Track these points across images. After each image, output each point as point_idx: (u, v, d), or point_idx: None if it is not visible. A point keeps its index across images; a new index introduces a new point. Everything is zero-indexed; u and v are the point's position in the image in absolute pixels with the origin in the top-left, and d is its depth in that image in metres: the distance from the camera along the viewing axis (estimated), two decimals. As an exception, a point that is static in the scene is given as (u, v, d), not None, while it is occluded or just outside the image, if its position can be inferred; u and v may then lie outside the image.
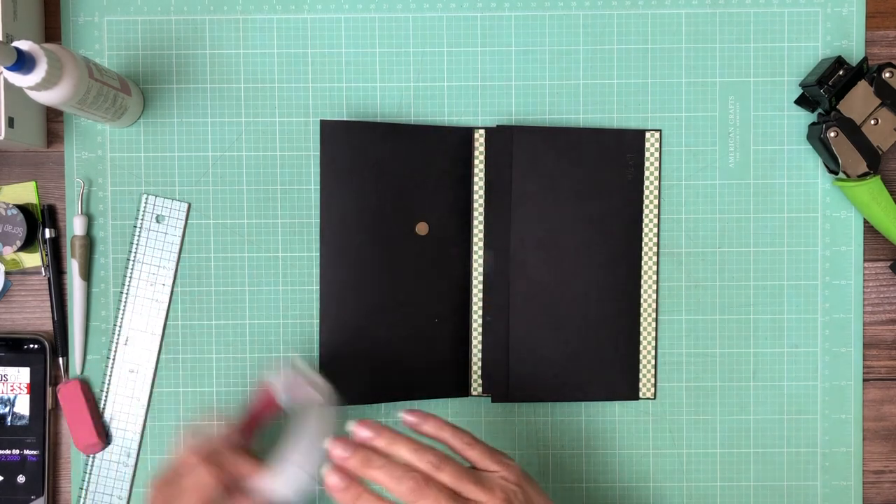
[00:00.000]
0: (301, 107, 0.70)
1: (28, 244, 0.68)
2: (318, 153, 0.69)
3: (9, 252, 0.68)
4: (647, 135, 0.69)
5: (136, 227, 0.69)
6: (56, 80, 0.56)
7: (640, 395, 0.70)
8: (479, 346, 0.69)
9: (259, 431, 0.62)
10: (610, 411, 0.70)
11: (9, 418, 0.69)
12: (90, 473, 0.69)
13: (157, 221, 0.70)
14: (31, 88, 0.55)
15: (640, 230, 0.70)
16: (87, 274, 0.69)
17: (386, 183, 0.68)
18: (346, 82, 0.70)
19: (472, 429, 0.70)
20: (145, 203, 0.70)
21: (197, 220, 0.70)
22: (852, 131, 0.66)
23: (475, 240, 0.69)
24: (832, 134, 0.66)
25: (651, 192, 0.70)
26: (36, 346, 0.69)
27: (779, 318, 0.70)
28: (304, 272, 0.70)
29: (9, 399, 0.69)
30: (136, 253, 0.69)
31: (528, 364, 0.69)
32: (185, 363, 0.70)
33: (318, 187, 0.69)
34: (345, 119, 0.69)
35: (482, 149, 0.69)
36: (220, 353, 0.70)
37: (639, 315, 0.70)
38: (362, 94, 0.70)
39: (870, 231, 0.70)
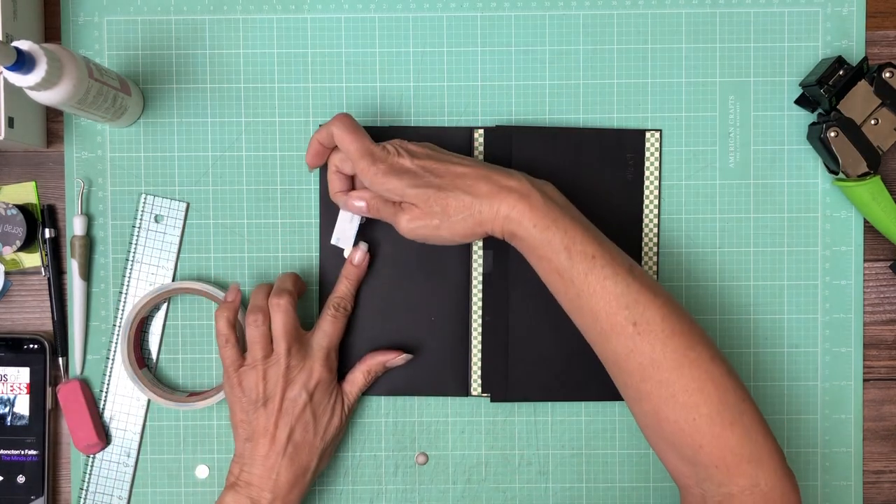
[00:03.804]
0: (301, 107, 0.70)
1: (28, 244, 0.68)
2: (318, 153, 0.69)
3: (9, 252, 0.68)
4: (647, 135, 0.69)
5: (134, 226, 0.69)
6: (56, 80, 0.56)
7: (640, 395, 0.70)
8: (479, 346, 0.69)
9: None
10: (610, 411, 0.70)
11: (9, 418, 0.69)
12: (90, 473, 0.69)
13: (156, 221, 0.70)
14: (31, 88, 0.55)
15: (640, 230, 0.69)
16: (87, 274, 0.69)
17: (386, 183, 0.68)
18: (346, 82, 0.70)
19: (472, 429, 0.70)
20: (143, 203, 0.69)
21: (197, 220, 0.70)
22: (852, 131, 0.66)
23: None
24: (832, 134, 0.66)
25: (651, 192, 0.70)
26: (36, 346, 0.69)
27: (779, 318, 0.70)
28: (304, 272, 0.70)
29: (9, 399, 0.69)
30: (134, 253, 0.69)
31: (528, 364, 0.69)
32: (185, 363, 0.70)
33: (318, 187, 0.69)
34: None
35: (482, 149, 0.69)
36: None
37: (639, 315, 0.69)
38: (362, 94, 0.70)
39: (870, 231, 0.70)
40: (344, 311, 0.66)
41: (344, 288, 0.67)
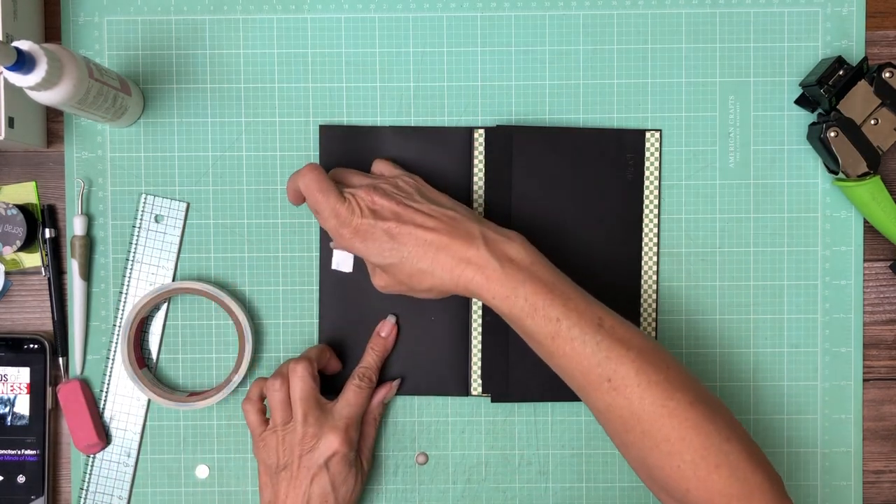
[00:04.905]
0: (301, 107, 0.70)
1: (28, 244, 0.68)
2: (318, 154, 0.69)
3: (9, 252, 0.68)
4: (647, 135, 0.69)
5: (134, 226, 0.69)
6: (56, 80, 0.56)
7: (640, 395, 0.70)
8: (479, 346, 0.69)
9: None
10: (610, 411, 0.70)
11: (9, 418, 0.69)
12: (90, 473, 0.69)
13: (156, 221, 0.70)
14: (31, 88, 0.55)
15: (640, 230, 0.69)
16: (87, 274, 0.69)
17: (386, 183, 0.68)
18: (346, 82, 0.70)
19: (471, 429, 0.70)
20: (144, 203, 0.70)
21: (197, 220, 0.70)
22: (852, 131, 0.66)
23: (475, 240, 0.69)
24: (832, 134, 0.66)
25: (651, 192, 0.70)
26: (36, 346, 0.69)
27: (779, 318, 0.70)
28: (304, 272, 0.70)
29: (9, 399, 0.69)
30: (134, 253, 0.69)
31: (528, 364, 0.69)
32: (185, 363, 0.70)
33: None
34: (344, 125, 0.69)
35: (482, 149, 0.69)
36: (219, 352, 0.70)
37: (639, 315, 0.70)
38: (362, 94, 0.70)
39: (870, 231, 0.70)
40: (369, 381, 0.66)
41: (370, 359, 0.67)
